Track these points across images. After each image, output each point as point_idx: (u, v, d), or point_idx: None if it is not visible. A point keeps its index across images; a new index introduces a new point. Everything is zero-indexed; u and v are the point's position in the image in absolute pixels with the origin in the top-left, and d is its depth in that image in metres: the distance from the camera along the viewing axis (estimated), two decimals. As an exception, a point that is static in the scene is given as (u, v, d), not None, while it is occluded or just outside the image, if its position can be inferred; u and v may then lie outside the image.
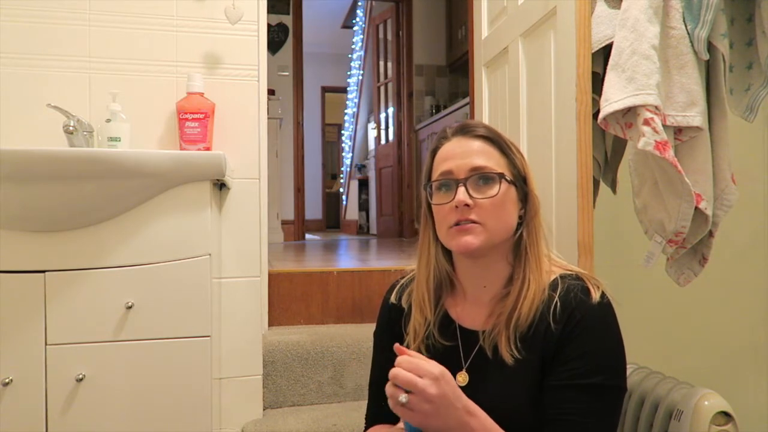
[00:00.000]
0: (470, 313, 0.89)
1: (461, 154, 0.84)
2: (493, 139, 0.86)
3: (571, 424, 0.76)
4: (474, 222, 0.82)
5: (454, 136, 0.87)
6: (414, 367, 0.73)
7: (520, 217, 0.86)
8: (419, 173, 4.70)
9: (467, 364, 0.86)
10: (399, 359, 0.75)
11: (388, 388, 0.74)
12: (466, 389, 0.84)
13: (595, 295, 0.80)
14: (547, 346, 0.80)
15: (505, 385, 0.81)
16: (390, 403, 0.74)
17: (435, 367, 0.73)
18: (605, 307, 0.81)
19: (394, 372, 0.73)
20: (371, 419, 0.97)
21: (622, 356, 0.81)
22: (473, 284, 0.89)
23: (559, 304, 0.80)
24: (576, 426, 0.76)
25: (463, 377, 0.85)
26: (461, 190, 0.82)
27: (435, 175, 0.87)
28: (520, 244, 0.86)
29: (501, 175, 0.83)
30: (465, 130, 0.87)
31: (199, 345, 1.31)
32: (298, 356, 1.60)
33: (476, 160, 0.83)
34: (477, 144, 0.85)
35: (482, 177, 0.83)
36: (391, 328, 0.96)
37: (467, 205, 0.81)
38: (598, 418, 0.77)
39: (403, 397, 0.72)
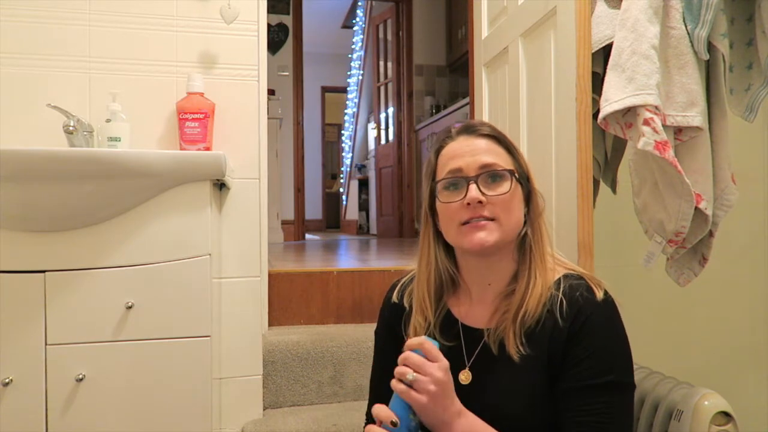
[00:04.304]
0: (474, 311, 0.89)
1: (470, 152, 0.84)
2: (499, 138, 0.87)
3: (590, 426, 0.76)
4: (487, 218, 0.81)
5: (459, 135, 0.87)
6: (426, 351, 0.76)
7: (524, 215, 0.86)
8: (419, 173, 4.70)
9: (470, 363, 0.86)
10: (409, 342, 0.78)
11: (398, 369, 0.76)
12: (469, 388, 0.84)
13: (599, 294, 0.81)
14: (555, 344, 0.80)
15: (511, 382, 0.81)
16: (393, 383, 0.76)
17: (443, 359, 0.77)
18: (610, 305, 0.81)
19: (405, 354, 0.76)
20: (371, 417, 0.97)
21: (630, 354, 0.81)
22: (478, 282, 0.88)
23: (565, 302, 0.80)
24: (595, 427, 0.76)
25: (466, 375, 0.85)
26: (473, 187, 0.81)
27: (441, 174, 0.86)
28: (524, 243, 0.86)
29: (511, 172, 0.83)
30: (470, 130, 0.87)
31: (199, 345, 1.31)
32: (298, 356, 1.60)
33: (485, 158, 0.83)
34: (483, 142, 0.85)
35: (493, 174, 0.83)
36: (392, 327, 0.95)
37: (480, 202, 0.81)
38: (615, 417, 0.77)
39: (411, 375, 0.74)
